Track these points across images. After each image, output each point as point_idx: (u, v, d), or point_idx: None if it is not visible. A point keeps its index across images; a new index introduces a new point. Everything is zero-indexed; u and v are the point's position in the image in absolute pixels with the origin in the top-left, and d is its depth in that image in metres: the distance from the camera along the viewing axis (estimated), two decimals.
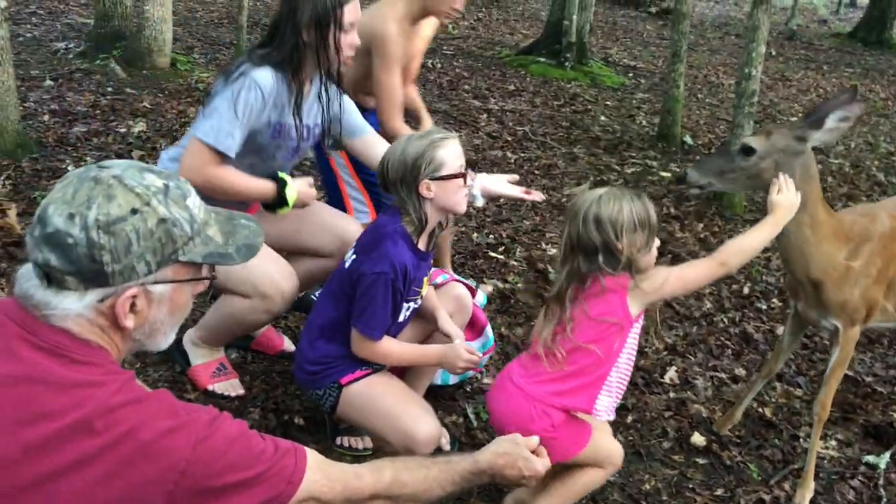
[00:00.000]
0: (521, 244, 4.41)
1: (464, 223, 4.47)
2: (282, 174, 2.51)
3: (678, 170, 5.89)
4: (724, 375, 3.38)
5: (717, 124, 7.60)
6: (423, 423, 2.23)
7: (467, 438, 2.75)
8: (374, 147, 2.71)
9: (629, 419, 2.95)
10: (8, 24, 4.42)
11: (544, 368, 2.05)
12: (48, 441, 1.22)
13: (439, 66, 8.52)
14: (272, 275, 2.52)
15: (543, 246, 4.41)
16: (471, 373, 2.86)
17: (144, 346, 1.44)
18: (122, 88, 6.01)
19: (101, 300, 1.31)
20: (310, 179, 2.60)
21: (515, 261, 4.19)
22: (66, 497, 1.23)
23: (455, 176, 2.23)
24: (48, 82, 5.88)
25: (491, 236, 4.45)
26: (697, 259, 2.19)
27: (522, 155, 5.98)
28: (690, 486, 2.68)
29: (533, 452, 1.80)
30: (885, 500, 2.74)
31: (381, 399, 2.28)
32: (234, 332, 2.76)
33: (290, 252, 2.75)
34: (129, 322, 1.34)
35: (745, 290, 4.18)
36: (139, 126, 5.25)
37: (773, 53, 12.16)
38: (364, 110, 3.19)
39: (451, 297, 2.61)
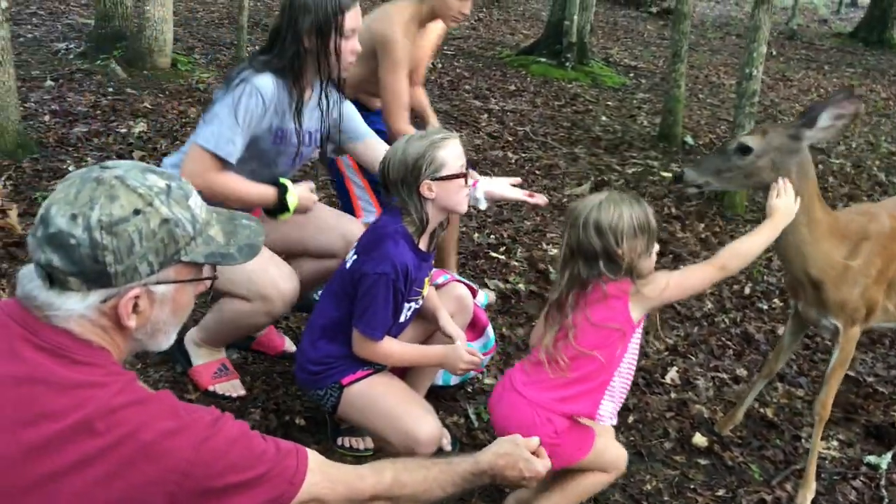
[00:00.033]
0: (522, 244, 4.40)
1: (465, 223, 4.46)
2: (283, 179, 2.51)
3: (679, 170, 5.89)
4: (725, 376, 3.38)
5: (718, 124, 7.60)
6: (424, 423, 2.23)
7: (468, 439, 2.75)
8: (375, 151, 2.71)
9: (630, 419, 2.95)
10: (9, 25, 4.42)
11: (547, 375, 2.05)
12: (49, 442, 1.22)
13: (440, 66, 8.51)
14: (273, 277, 2.52)
15: (544, 246, 4.40)
16: (472, 373, 2.86)
17: (146, 347, 1.44)
18: (123, 89, 6.01)
19: (104, 301, 1.31)
20: (311, 185, 2.60)
21: (516, 261, 4.19)
22: (66, 498, 1.23)
23: (456, 176, 2.22)
24: (49, 83, 5.88)
25: (492, 236, 4.45)
26: (697, 263, 2.20)
27: (523, 155, 5.98)
28: (692, 486, 2.68)
29: (533, 453, 1.80)
30: (886, 500, 2.74)
31: (382, 399, 2.28)
32: (235, 334, 2.76)
33: (295, 254, 2.75)
34: (132, 322, 1.34)
35: (747, 291, 4.17)
36: (140, 126, 5.25)
37: (774, 53, 12.16)
38: (370, 111, 3.21)
39: (453, 297, 2.61)
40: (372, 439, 2.58)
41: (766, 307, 4.04)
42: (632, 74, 9.67)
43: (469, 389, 3.01)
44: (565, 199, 5.11)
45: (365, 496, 1.54)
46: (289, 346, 3.05)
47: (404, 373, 2.51)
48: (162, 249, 1.33)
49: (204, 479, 1.30)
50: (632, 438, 2.86)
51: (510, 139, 6.33)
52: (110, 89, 5.96)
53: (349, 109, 2.75)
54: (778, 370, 2.97)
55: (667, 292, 2.06)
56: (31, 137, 4.69)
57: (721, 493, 2.66)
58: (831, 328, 2.60)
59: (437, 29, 3.33)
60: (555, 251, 4.22)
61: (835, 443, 3.01)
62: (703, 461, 2.82)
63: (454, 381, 2.87)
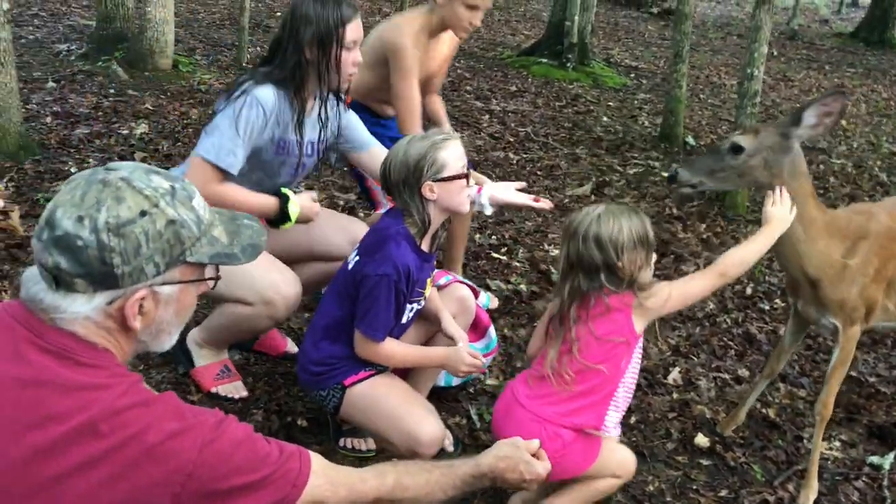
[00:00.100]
0: (523, 245, 4.40)
1: None
2: (284, 189, 2.51)
3: (673, 170, 5.88)
4: (727, 376, 3.37)
5: (719, 125, 7.60)
6: (426, 424, 2.23)
7: (470, 440, 2.75)
8: (379, 159, 2.72)
9: (632, 420, 2.95)
10: (10, 27, 4.43)
11: (552, 389, 2.06)
12: (55, 444, 1.23)
13: None
14: (276, 282, 2.52)
15: (546, 247, 4.40)
16: (474, 374, 2.86)
17: (149, 348, 1.44)
18: (125, 90, 6.02)
19: (110, 302, 1.32)
20: (313, 194, 2.60)
21: (518, 262, 4.19)
22: (71, 499, 1.23)
23: (457, 177, 2.23)
24: (50, 84, 5.89)
25: (493, 237, 4.45)
26: (697, 272, 2.22)
27: (524, 156, 5.98)
28: (694, 487, 2.68)
29: (534, 455, 1.80)
30: (889, 500, 2.74)
31: (384, 400, 2.28)
32: (238, 337, 2.77)
33: (301, 260, 2.76)
34: (137, 323, 1.35)
35: (748, 291, 4.17)
36: (141, 128, 5.26)
37: (775, 53, 12.16)
38: (381, 117, 3.24)
39: (455, 298, 2.61)
40: (374, 440, 2.58)
41: (767, 307, 4.04)
42: (633, 75, 9.68)
43: (471, 390, 3.01)
44: (566, 200, 5.11)
45: (367, 499, 1.54)
46: (291, 347, 3.06)
47: (406, 374, 2.51)
48: (168, 250, 1.33)
49: (208, 480, 1.30)
50: (634, 439, 2.86)
51: (511, 140, 6.33)
52: (112, 91, 5.97)
53: (352, 119, 2.77)
54: (779, 370, 2.97)
55: (669, 303, 2.07)
56: (32, 139, 4.69)
57: (723, 493, 2.66)
58: (830, 327, 2.61)
59: (448, 40, 3.34)
60: (556, 252, 4.22)
61: (837, 443, 3.01)
62: (705, 462, 2.82)
63: (456, 381, 2.87)
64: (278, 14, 10.06)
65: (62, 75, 6.16)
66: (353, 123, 2.77)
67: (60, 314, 1.30)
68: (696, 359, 3.48)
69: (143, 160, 4.58)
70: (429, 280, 2.37)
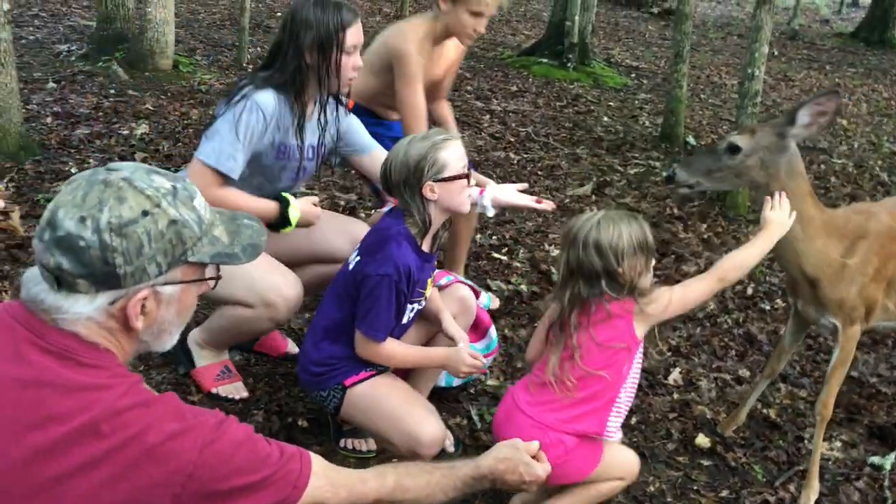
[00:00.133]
0: (524, 245, 4.40)
1: None
2: (285, 194, 2.51)
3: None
4: (728, 377, 3.37)
5: (720, 125, 7.59)
6: (427, 424, 2.23)
7: (471, 440, 2.74)
8: (381, 162, 2.72)
9: (633, 421, 2.94)
10: (10, 27, 4.43)
11: (554, 395, 2.06)
12: (56, 444, 1.23)
13: None
14: (277, 284, 2.52)
15: (546, 247, 4.40)
16: (475, 375, 2.86)
17: (150, 347, 1.45)
18: (125, 90, 6.02)
19: (112, 302, 1.32)
20: (314, 198, 2.60)
21: (519, 262, 4.18)
22: (73, 500, 1.23)
23: (458, 177, 2.22)
24: (51, 85, 5.89)
25: (494, 237, 4.45)
26: (696, 277, 2.23)
27: (525, 156, 5.98)
28: (695, 487, 2.68)
29: (533, 457, 1.80)
30: (890, 501, 2.73)
31: (384, 401, 2.28)
32: (239, 338, 2.77)
33: (305, 262, 2.75)
34: (139, 323, 1.35)
35: (749, 291, 4.17)
36: (142, 128, 5.26)
37: (776, 53, 12.16)
38: (385, 120, 3.25)
39: (455, 298, 2.60)
40: (375, 441, 2.58)
41: (768, 308, 4.04)
42: (633, 75, 9.67)
43: (472, 391, 3.01)
44: (567, 200, 5.11)
45: (367, 500, 1.55)
46: (291, 347, 3.06)
47: (407, 374, 2.51)
48: (170, 250, 1.33)
49: (209, 481, 1.31)
50: (635, 440, 2.85)
51: (512, 140, 6.33)
52: (112, 91, 5.97)
53: (353, 123, 2.77)
54: (780, 370, 2.97)
55: (670, 308, 2.08)
56: (33, 139, 4.69)
57: (724, 494, 2.66)
58: (830, 327, 2.61)
59: (453, 46, 3.35)
60: (557, 252, 4.22)
61: (838, 443, 3.01)
62: (706, 462, 2.81)
63: (457, 382, 2.87)
64: (279, 14, 10.07)
65: (62, 76, 6.16)
66: (354, 127, 2.78)
67: (62, 315, 1.30)
68: (696, 359, 3.48)
69: (144, 160, 4.58)
70: (429, 280, 2.37)
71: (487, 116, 6.91)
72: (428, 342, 2.57)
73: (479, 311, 2.74)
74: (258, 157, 2.51)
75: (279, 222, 2.48)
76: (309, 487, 1.43)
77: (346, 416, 2.37)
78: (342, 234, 2.77)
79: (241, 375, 2.83)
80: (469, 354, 2.32)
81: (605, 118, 7.40)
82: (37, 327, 1.30)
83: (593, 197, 5.26)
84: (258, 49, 8.00)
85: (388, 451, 2.49)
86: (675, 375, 3.31)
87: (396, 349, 2.29)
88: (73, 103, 5.57)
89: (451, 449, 2.61)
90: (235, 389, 2.77)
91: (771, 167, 2.40)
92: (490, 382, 3.07)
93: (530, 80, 8.61)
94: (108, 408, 1.26)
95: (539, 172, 5.64)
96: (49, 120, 5.19)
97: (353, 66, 2.53)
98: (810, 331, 3.29)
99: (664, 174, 5.80)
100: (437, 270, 2.51)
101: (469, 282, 2.85)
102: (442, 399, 2.84)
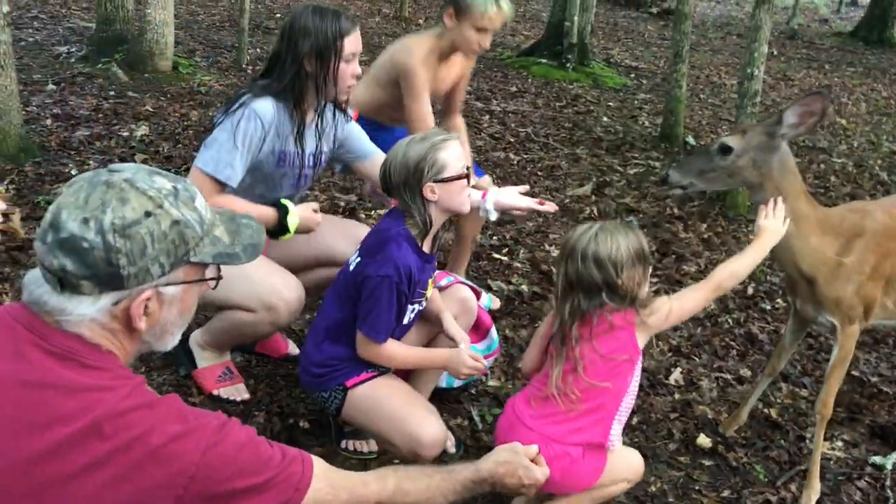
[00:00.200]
0: (524, 246, 4.40)
1: None
2: (284, 201, 2.51)
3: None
4: (729, 376, 3.37)
5: (719, 124, 7.60)
6: (428, 425, 2.23)
7: (472, 441, 2.74)
8: None
9: (635, 421, 2.94)
10: (10, 29, 4.43)
11: (557, 408, 2.05)
12: (60, 446, 1.23)
13: None
14: (278, 287, 2.52)
15: (547, 247, 4.40)
16: (476, 375, 2.86)
17: (153, 348, 1.45)
18: (125, 92, 6.02)
19: (116, 303, 1.32)
20: (314, 205, 2.60)
21: (519, 262, 4.18)
22: (76, 501, 1.23)
23: (458, 177, 2.22)
24: (50, 86, 5.89)
25: (494, 238, 4.44)
26: (693, 286, 2.24)
27: (525, 156, 5.98)
28: (697, 487, 2.68)
29: (532, 461, 1.81)
30: (892, 500, 2.73)
31: (386, 402, 2.28)
32: (240, 341, 2.78)
33: (307, 267, 2.75)
34: (142, 324, 1.35)
35: (750, 291, 4.17)
36: (142, 129, 5.26)
37: (775, 53, 12.16)
38: (388, 126, 3.27)
39: (456, 299, 2.60)
40: (376, 442, 2.58)
41: (769, 307, 4.04)
42: (633, 75, 9.68)
43: (473, 391, 3.01)
44: (567, 200, 5.11)
45: (368, 502, 1.55)
46: (292, 348, 3.05)
47: (408, 375, 2.51)
48: (173, 251, 1.34)
49: (211, 483, 1.31)
50: (636, 440, 2.85)
51: (512, 140, 6.33)
52: (112, 93, 5.97)
53: (354, 130, 2.78)
54: (781, 369, 2.97)
55: (671, 318, 2.10)
56: (33, 141, 4.69)
57: (726, 494, 2.66)
58: (829, 325, 2.61)
59: (460, 61, 3.38)
60: (557, 252, 4.22)
61: (839, 443, 3.01)
62: (707, 462, 2.81)
63: (458, 383, 2.87)
64: (278, 16, 10.07)
65: (62, 77, 6.16)
66: (355, 134, 2.78)
67: (66, 316, 1.30)
68: (697, 359, 3.48)
69: (144, 162, 4.58)
70: (430, 281, 2.37)
71: (487, 117, 6.92)
72: (429, 343, 2.57)
73: (479, 311, 2.74)
74: (259, 165, 2.52)
75: (278, 229, 2.48)
76: (310, 490, 1.43)
77: (347, 417, 2.37)
78: (344, 237, 2.77)
79: (243, 377, 2.83)
80: (470, 355, 2.31)
81: (605, 118, 7.40)
82: (39, 329, 1.30)
83: (593, 197, 5.26)
84: (258, 50, 8.01)
85: (389, 453, 2.49)
86: (676, 375, 3.31)
87: (397, 350, 2.29)
88: (72, 105, 5.57)
89: (452, 450, 2.61)
90: (237, 391, 2.77)
91: (763, 166, 2.43)
92: (491, 383, 3.07)
93: (530, 80, 8.61)
94: (111, 409, 1.26)
95: (539, 173, 5.64)
96: (49, 122, 5.19)
97: (352, 73, 2.54)
98: (811, 330, 3.29)
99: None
100: (437, 271, 2.51)
101: (470, 282, 2.85)
102: (443, 400, 2.84)
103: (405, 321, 2.32)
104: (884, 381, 3.48)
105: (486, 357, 2.67)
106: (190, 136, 5.28)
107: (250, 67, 7.30)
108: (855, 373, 3.47)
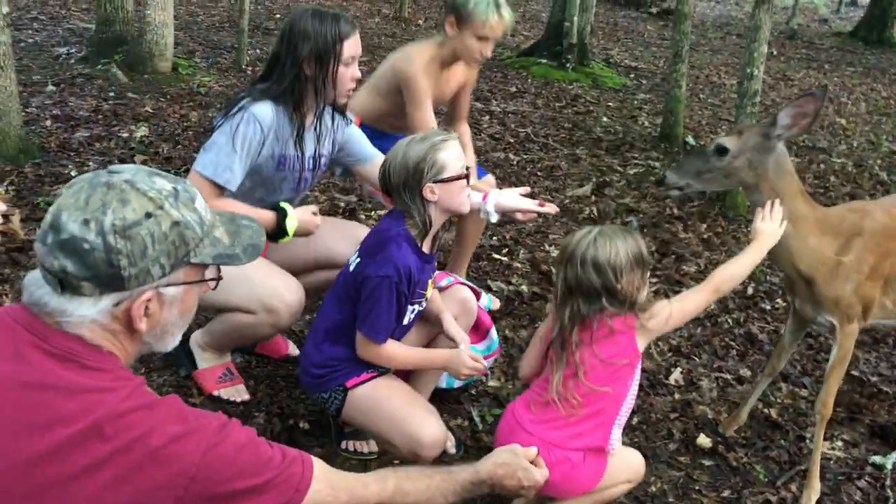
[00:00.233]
0: (524, 246, 4.40)
1: None
2: (282, 204, 2.51)
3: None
4: (729, 376, 3.37)
5: (719, 124, 7.60)
6: (428, 426, 2.23)
7: (472, 441, 2.74)
8: None
9: (635, 421, 2.94)
10: (9, 30, 4.43)
11: (557, 413, 2.06)
12: (61, 447, 1.23)
13: None
14: (278, 290, 2.52)
15: (547, 247, 4.40)
16: (476, 376, 2.86)
17: (153, 348, 1.45)
18: (124, 93, 6.02)
19: (116, 304, 1.32)
20: (313, 208, 2.60)
21: (519, 263, 4.18)
22: (77, 502, 1.24)
23: (458, 178, 2.23)
24: (50, 87, 5.90)
25: (494, 238, 4.45)
26: (692, 289, 2.25)
27: (525, 157, 5.98)
28: (697, 487, 2.68)
29: (531, 463, 1.81)
30: (892, 500, 2.73)
31: (386, 402, 2.28)
32: (240, 342, 2.78)
33: (308, 270, 2.75)
34: (143, 325, 1.36)
35: (749, 291, 4.17)
36: (141, 130, 5.26)
37: (775, 53, 12.16)
38: (389, 134, 3.28)
39: (456, 300, 2.60)
40: (376, 442, 2.58)
41: (769, 307, 4.04)
42: (632, 75, 9.68)
43: (473, 392, 3.01)
44: (567, 201, 5.11)
45: (368, 503, 1.55)
46: (292, 349, 3.06)
47: (408, 375, 2.51)
48: (173, 252, 1.34)
49: (211, 484, 1.31)
50: (636, 440, 2.85)
51: (511, 141, 6.33)
52: (111, 94, 5.97)
53: (354, 133, 2.79)
54: (780, 369, 2.98)
55: (671, 322, 2.11)
56: (32, 142, 4.69)
57: (726, 494, 2.66)
58: (828, 325, 2.62)
59: (462, 69, 3.38)
60: (557, 252, 4.22)
61: (839, 443, 3.01)
62: (707, 462, 2.81)
63: (458, 383, 2.87)
64: (278, 16, 10.07)
65: (62, 79, 6.16)
66: (356, 137, 2.79)
67: (67, 318, 1.30)
68: (697, 359, 3.48)
69: (144, 163, 4.58)
70: (430, 281, 2.37)
71: (487, 117, 6.92)
72: (429, 343, 2.57)
73: (479, 312, 2.74)
74: (258, 169, 2.52)
75: (276, 233, 2.48)
76: (310, 491, 1.43)
77: (347, 417, 2.37)
78: (345, 239, 2.77)
79: (243, 377, 2.83)
80: (470, 356, 2.31)
81: (605, 118, 7.40)
82: (40, 330, 1.30)
83: (593, 197, 5.26)
84: (257, 51, 8.01)
85: (389, 453, 2.49)
86: (676, 375, 3.31)
87: (397, 351, 2.29)
88: (72, 106, 5.57)
89: (452, 450, 2.61)
90: (237, 392, 2.77)
91: (759, 167, 2.43)
92: (491, 384, 3.07)
93: (529, 80, 8.61)
94: (112, 410, 1.26)
95: (539, 173, 5.64)
96: (48, 123, 5.19)
97: (352, 77, 2.54)
98: (811, 330, 3.29)
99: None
100: (437, 272, 2.51)
101: (469, 283, 2.85)
102: (443, 400, 2.84)
103: (405, 322, 2.32)
104: (884, 380, 3.48)
105: (485, 357, 2.68)
106: (189, 137, 5.28)
107: (250, 68, 7.31)
108: (855, 373, 3.47)
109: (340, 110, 2.69)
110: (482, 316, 2.79)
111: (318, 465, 1.49)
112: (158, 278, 1.34)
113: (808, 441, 2.96)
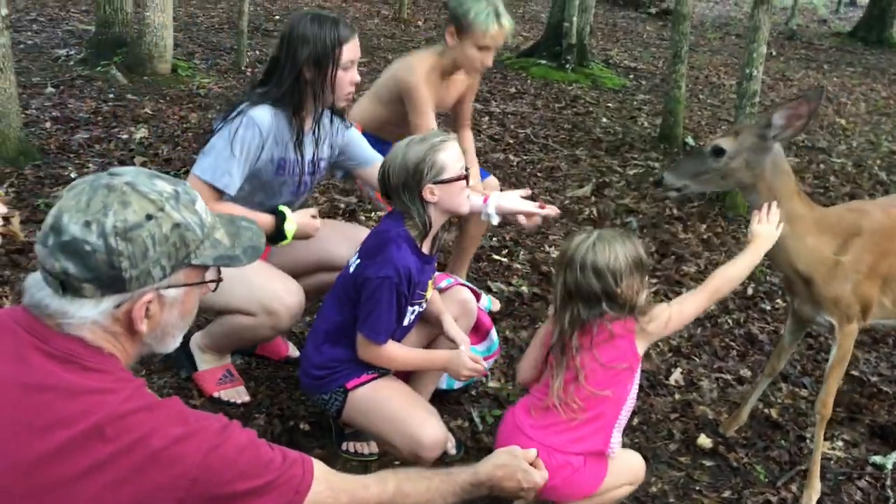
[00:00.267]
0: (524, 247, 4.40)
1: None
2: (281, 207, 2.51)
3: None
4: (729, 377, 3.37)
5: (718, 125, 7.60)
6: (428, 427, 2.23)
7: (473, 442, 2.75)
8: None
9: (635, 421, 2.94)
10: (9, 32, 4.43)
11: (558, 418, 2.06)
12: (62, 448, 1.23)
13: None
14: (278, 292, 2.52)
15: (547, 248, 4.40)
16: (476, 377, 2.86)
17: (153, 350, 1.46)
18: (124, 95, 6.02)
19: (117, 306, 1.33)
20: (313, 211, 2.60)
21: (519, 263, 4.19)
22: (76, 503, 1.24)
23: (457, 178, 2.23)
24: (50, 89, 5.89)
25: (494, 239, 4.45)
26: (690, 292, 2.26)
27: (524, 157, 5.98)
28: (697, 488, 2.68)
29: (531, 464, 1.81)
30: (892, 500, 2.74)
31: (386, 403, 2.28)
32: (240, 344, 2.78)
33: (309, 272, 2.76)
34: (144, 327, 1.36)
35: (749, 291, 4.17)
36: (141, 132, 5.26)
37: (774, 53, 12.17)
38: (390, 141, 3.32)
39: (456, 301, 2.61)
40: (376, 443, 2.58)
41: (769, 307, 4.04)
42: (632, 76, 9.68)
43: (473, 393, 3.01)
44: (567, 201, 5.11)
45: None
46: (292, 351, 3.06)
47: (408, 376, 2.52)
48: (174, 253, 1.34)
49: (212, 485, 1.31)
50: (637, 440, 2.86)
51: (511, 142, 6.33)
52: (111, 95, 5.97)
53: (354, 137, 2.79)
54: (780, 369, 2.98)
55: (670, 325, 2.11)
56: (32, 144, 4.69)
57: (726, 494, 2.66)
58: (827, 325, 2.62)
59: (463, 78, 3.39)
60: (557, 253, 4.22)
61: (839, 443, 3.01)
62: (708, 462, 2.81)
63: (458, 384, 2.87)
64: (277, 18, 10.07)
65: (61, 80, 6.16)
66: (356, 140, 2.79)
67: (68, 319, 1.30)
68: (697, 359, 3.48)
69: (143, 165, 4.59)
70: (430, 282, 2.37)
71: (486, 118, 6.92)
72: (429, 345, 2.57)
73: (479, 313, 2.74)
74: (258, 173, 2.52)
75: (276, 236, 2.48)
76: (311, 493, 1.43)
77: (347, 419, 2.37)
78: (345, 241, 2.77)
79: (243, 379, 2.83)
80: (470, 357, 2.32)
81: (604, 119, 7.40)
82: (41, 332, 1.30)
83: (593, 198, 5.26)
84: (257, 52, 8.01)
85: (389, 454, 2.49)
86: (676, 376, 3.31)
87: (397, 352, 2.29)
88: (72, 108, 5.57)
89: (452, 451, 2.61)
90: (237, 393, 2.77)
91: (756, 168, 2.44)
92: (491, 385, 3.07)
93: (529, 81, 8.62)
94: (113, 412, 1.26)
95: (538, 174, 5.64)
96: (48, 125, 5.19)
97: (350, 80, 2.54)
98: (810, 330, 3.29)
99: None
100: (437, 273, 2.51)
101: (469, 284, 2.85)
102: (443, 401, 2.84)
103: (405, 322, 2.32)
104: (884, 380, 3.48)
105: (486, 358, 2.68)
106: (189, 138, 5.28)
107: (249, 70, 7.31)
108: (855, 373, 3.48)
109: (339, 114, 2.69)
110: (482, 317, 2.79)
111: (319, 467, 1.49)
112: (159, 280, 1.34)
113: (808, 441, 2.96)
